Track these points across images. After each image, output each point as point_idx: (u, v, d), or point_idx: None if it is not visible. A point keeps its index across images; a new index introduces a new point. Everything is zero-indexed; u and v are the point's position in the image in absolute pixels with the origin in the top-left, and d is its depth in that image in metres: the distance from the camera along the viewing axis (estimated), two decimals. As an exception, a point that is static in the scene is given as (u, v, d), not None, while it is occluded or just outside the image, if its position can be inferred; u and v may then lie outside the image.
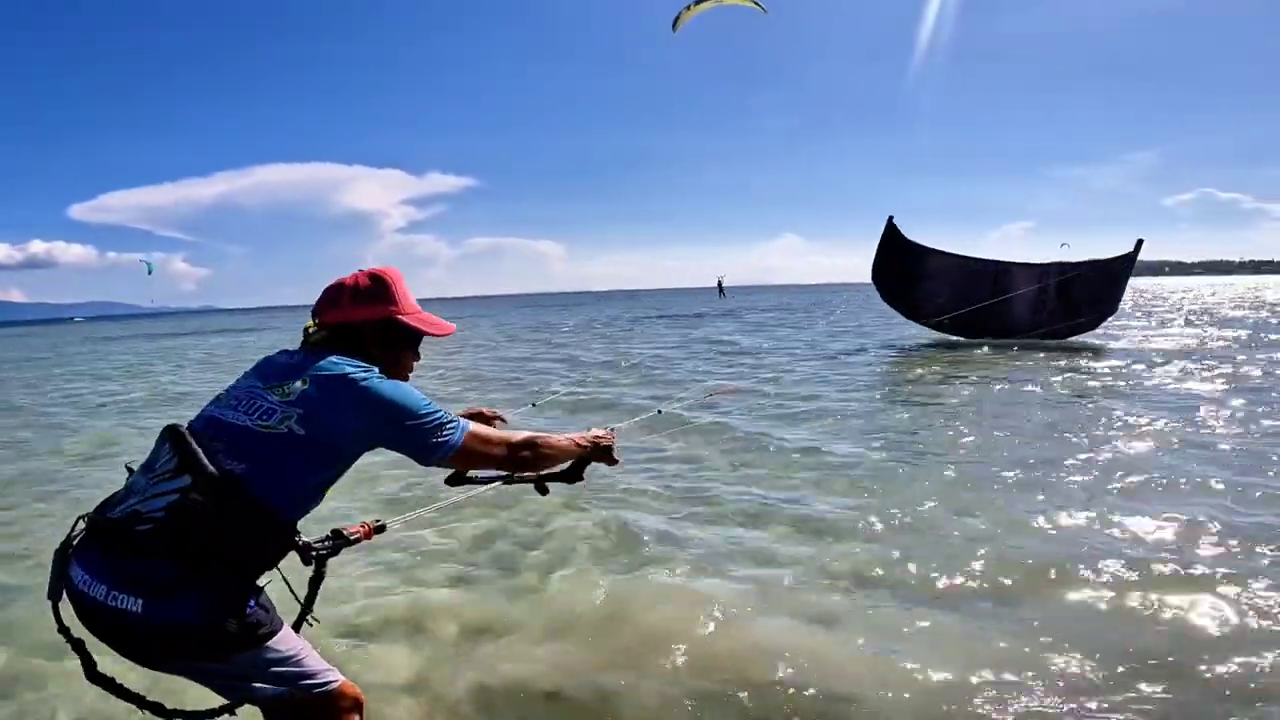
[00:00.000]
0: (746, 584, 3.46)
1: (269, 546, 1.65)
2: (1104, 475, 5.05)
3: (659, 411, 3.16)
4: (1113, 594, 3.22)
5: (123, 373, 17.40)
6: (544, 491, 2.14)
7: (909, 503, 4.57)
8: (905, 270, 15.86)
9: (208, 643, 1.54)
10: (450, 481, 2.15)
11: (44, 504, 5.47)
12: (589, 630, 3.08)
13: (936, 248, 15.83)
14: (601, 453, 2.07)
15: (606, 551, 4.02)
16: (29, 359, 24.89)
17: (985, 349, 13.87)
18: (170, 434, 1.65)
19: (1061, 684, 2.53)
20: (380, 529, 1.82)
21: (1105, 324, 16.08)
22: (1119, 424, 6.79)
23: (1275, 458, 5.37)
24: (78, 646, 1.62)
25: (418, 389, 1.76)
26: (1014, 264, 15.51)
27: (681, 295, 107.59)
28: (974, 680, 2.56)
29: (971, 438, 6.49)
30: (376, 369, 1.74)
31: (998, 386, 9.50)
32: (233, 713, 1.69)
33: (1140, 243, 15.05)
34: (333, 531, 1.75)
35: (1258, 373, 9.88)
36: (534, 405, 3.46)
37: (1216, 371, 10.10)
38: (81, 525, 1.64)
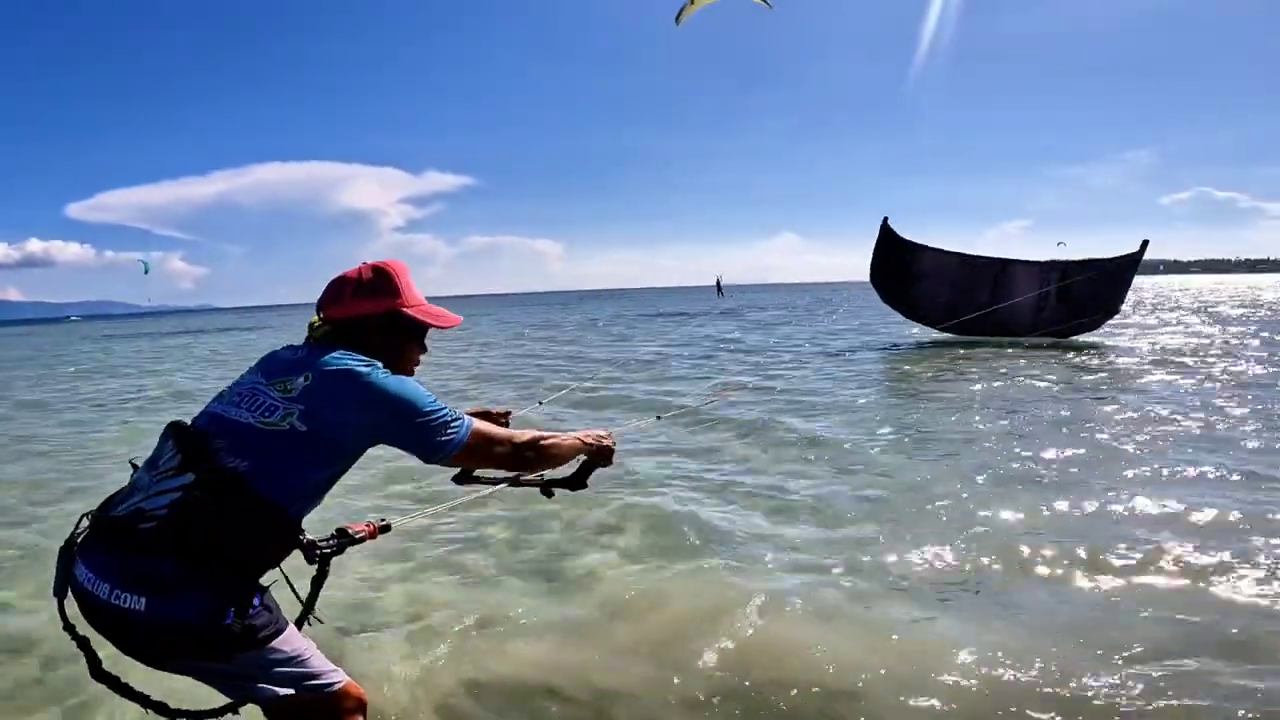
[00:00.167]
0: (754, 580, 3.44)
1: (272, 545, 1.63)
2: (1117, 467, 5.09)
3: (658, 418, 3.18)
4: (1129, 586, 3.25)
5: (136, 370, 17.45)
6: (549, 495, 2.15)
7: (924, 497, 4.58)
8: (903, 270, 15.73)
9: (210, 642, 1.52)
10: (458, 480, 2.15)
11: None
12: (593, 627, 3.07)
13: (934, 245, 15.64)
14: (603, 454, 2.08)
15: (614, 548, 4.01)
16: (29, 357, 24.90)
17: (987, 347, 13.84)
18: (174, 431, 1.64)
19: (1075, 678, 2.51)
20: (385, 528, 1.80)
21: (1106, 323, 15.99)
22: (1127, 418, 6.82)
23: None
24: (82, 644, 1.61)
25: (423, 384, 1.74)
26: (1015, 261, 15.31)
27: (679, 294, 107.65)
28: (992, 674, 2.54)
29: (984, 431, 6.54)
30: (380, 363, 1.71)
31: (1003, 383, 9.49)
32: (236, 712, 1.67)
33: (1145, 243, 14.69)
34: (338, 530, 1.73)
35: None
36: (540, 404, 3.45)
37: (1223, 369, 10.10)
38: (86, 523, 1.63)
